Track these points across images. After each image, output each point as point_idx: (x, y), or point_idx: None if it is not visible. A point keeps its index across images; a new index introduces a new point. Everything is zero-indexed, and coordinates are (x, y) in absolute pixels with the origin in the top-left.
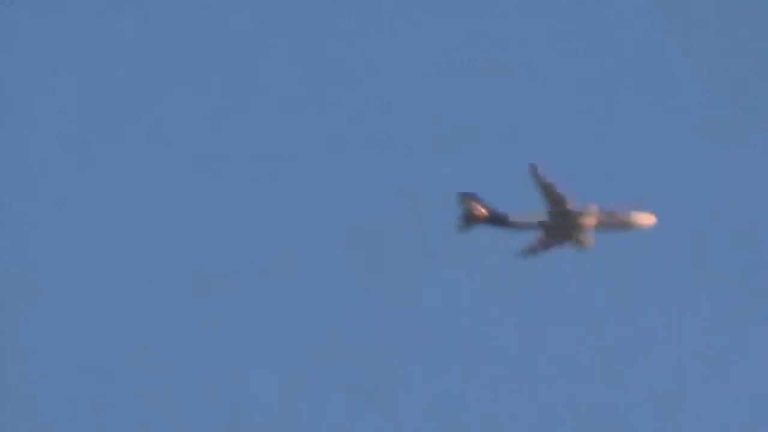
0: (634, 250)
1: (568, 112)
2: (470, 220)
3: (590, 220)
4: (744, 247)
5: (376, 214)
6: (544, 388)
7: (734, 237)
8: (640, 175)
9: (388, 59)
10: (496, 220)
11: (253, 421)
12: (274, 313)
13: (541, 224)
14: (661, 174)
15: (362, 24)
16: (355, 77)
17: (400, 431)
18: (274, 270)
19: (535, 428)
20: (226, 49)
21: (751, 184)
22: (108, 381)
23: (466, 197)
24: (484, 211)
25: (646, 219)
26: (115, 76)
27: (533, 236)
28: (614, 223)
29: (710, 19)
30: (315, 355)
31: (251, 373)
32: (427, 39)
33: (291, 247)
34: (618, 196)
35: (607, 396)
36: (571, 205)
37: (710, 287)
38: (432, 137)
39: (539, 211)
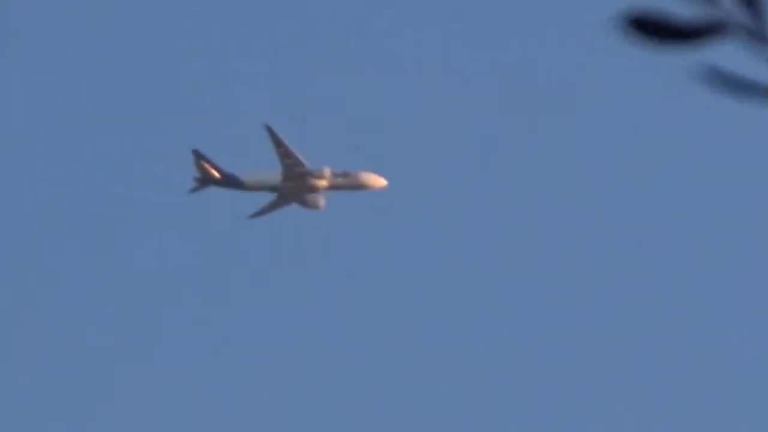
0: (365, 211)
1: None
2: (204, 181)
3: (323, 182)
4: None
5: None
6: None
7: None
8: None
9: None
10: (231, 182)
11: None
12: None
13: (276, 186)
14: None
15: None
16: None
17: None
18: None
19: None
20: None
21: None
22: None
23: (200, 157)
24: (217, 173)
25: (377, 181)
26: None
27: (266, 197)
28: (347, 185)
29: None
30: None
31: None
32: None
33: None
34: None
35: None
36: (306, 167)
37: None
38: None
39: (273, 172)
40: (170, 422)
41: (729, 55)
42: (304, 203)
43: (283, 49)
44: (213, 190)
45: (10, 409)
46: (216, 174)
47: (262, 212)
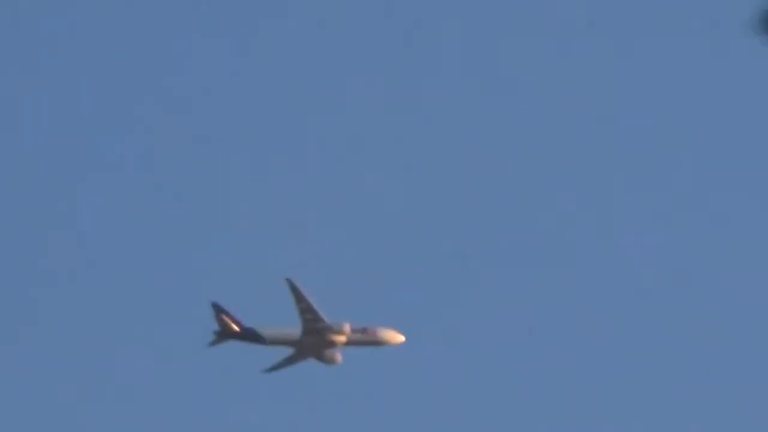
0: (383, 367)
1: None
2: (224, 334)
3: (342, 338)
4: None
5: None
6: None
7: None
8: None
9: None
10: (250, 336)
11: None
12: None
13: (295, 341)
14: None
15: None
16: None
17: None
18: None
19: None
20: None
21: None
22: None
23: (220, 311)
24: (236, 327)
25: (395, 337)
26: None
27: (284, 351)
28: (365, 340)
29: None
30: None
31: None
32: None
33: None
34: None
35: None
36: (325, 322)
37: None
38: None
39: (293, 327)
40: None
41: None
42: (322, 358)
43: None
44: (232, 344)
45: None
46: (235, 327)
47: (278, 366)
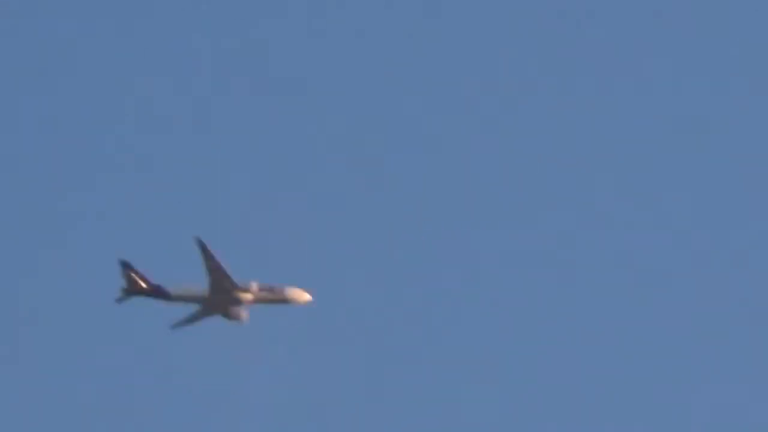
0: (289, 325)
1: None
2: (131, 291)
3: (249, 296)
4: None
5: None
6: None
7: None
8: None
9: None
10: (158, 293)
11: None
12: None
13: (202, 299)
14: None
15: None
16: None
17: None
18: None
19: None
20: None
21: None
22: None
23: (128, 268)
24: (144, 283)
25: (302, 296)
26: None
27: (191, 308)
28: (272, 299)
29: None
30: None
31: None
32: None
33: None
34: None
35: None
36: (233, 281)
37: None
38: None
39: (200, 285)
40: None
41: None
42: (228, 315)
43: (212, 160)
44: (139, 300)
45: None
46: (143, 284)
47: (184, 323)
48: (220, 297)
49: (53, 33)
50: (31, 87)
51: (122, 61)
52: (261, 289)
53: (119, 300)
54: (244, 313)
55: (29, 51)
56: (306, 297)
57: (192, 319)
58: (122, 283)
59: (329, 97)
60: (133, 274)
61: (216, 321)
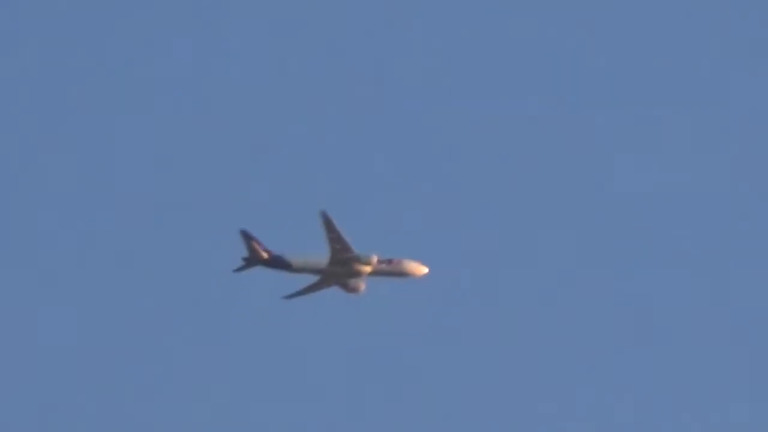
0: (406, 297)
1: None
2: (252, 261)
3: (368, 269)
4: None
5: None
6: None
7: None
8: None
9: None
10: (278, 263)
11: None
12: None
13: (322, 270)
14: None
15: None
16: None
17: None
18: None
19: None
20: None
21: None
22: None
23: (249, 238)
24: (265, 253)
25: (419, 269)
26: None
27: (310, 279)
28: (389, 271)
29: None
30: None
31: None
32: None
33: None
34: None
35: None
36: (354, 253)
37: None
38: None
39: (320, 255)
40: None
41: None
42: (346, 287)
43: (343, 136)
44: (259, 270)
45: None
46: (264, 254)
47: (300, 293)
48: (340, 268)
49: None
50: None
51: None
52: (380, 261)
53: (238, 269)
54: (362, 284)
55: None
56: (423, 270)
57: (309, 289)
58: (243, 252)
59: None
60: (254, 244)
61: (333, 292)
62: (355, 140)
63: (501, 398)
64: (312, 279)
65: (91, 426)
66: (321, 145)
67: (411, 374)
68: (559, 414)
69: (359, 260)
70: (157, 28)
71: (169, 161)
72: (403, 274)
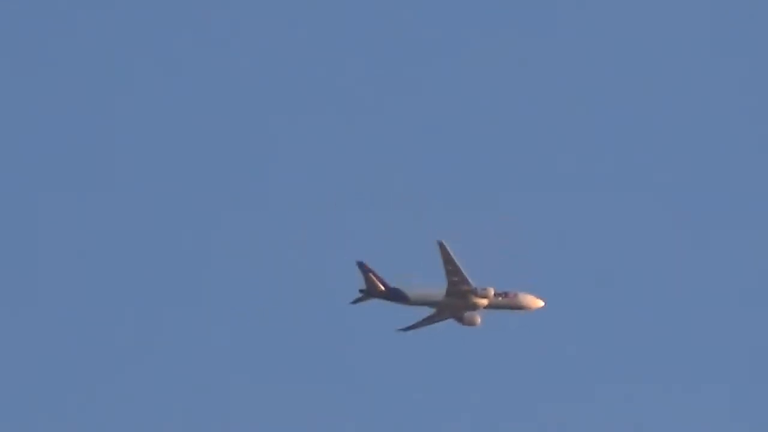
0: (521, 331)
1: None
2: (370, 293)
3: (485, 301)
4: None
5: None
6: None
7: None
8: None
9: None
10: (394, 295)
11: None
12: None
13: (438, 303)
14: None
15: None
16: None
17: None
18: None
19: None
20: None
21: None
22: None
23: (367, 270)
24: (382, 286)
25: (535, 302)
26: None
27: (426, 311)
28: (505, 304)
29: None
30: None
31: None
32: None
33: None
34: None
35: None
36: (471, 285)
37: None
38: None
39: (437, 288)
40: None
41: None
42: (461, 320)
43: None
44: (376, 303)
45: None
46: (381, 287)
47: (417, 326)
48: (456, 301)
49: None
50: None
51: None
52: (496, 294)
53: (356, 301)
54: (478, 317)
55: None
56: (539, 303)
57: (425, 322)
58: (361, 284)
59: None
60: (371, 276)
61: (450, 325)
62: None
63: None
64: (427, 311)
65: None
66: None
67: (523, 408)
68: None
69: (476, 293)
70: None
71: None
72: (519, 307)
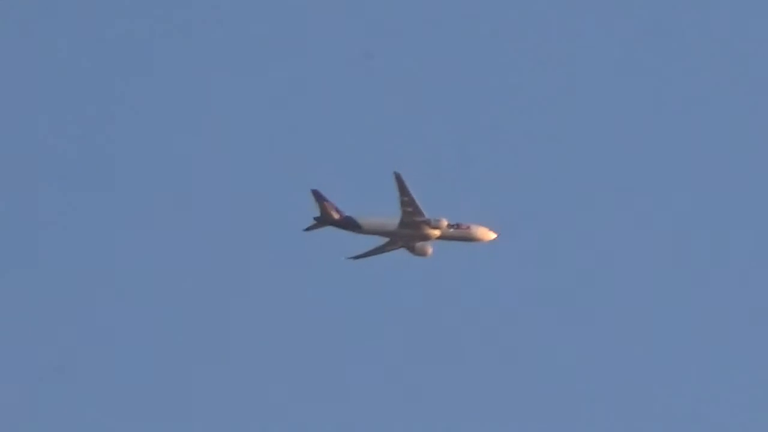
0: (470, 262)
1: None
2: (323, 221)
3: (437, 232)
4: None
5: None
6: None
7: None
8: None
9: None
10: (348, 224)
11: None
12: None
13: (391, 232)
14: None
15: None
16: None
17: None
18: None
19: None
20: None
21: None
22: None
23: (321, 198)
24: (336, 214)
25: (487, 234)
26: None
27: (378, 240)
28: (458, 236)
29: None
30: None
31: None
32: None
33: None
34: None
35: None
36: (425, 217)
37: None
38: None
39: (390, 218)
40: None
41: None
42: (413, 250)
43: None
44: (329, 230)
45: None
46: (335, 215)
47: (367, 254)
48: (409, 231)
49: None
50: None
51: None
52: (449, 226)
53: (309, 228)
54: (430, 248)
55: None
56: (491, 236)
57: (377, 251)
58: (314, 212)
59: None
60: (326, 204)
61: (399, 254)
62: (436, 108)
63: (563, 365)
64: (381, 241)
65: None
66: (399, 110)
67: (472, 339)
68: (624, 381)
69: (429, 224)
70: None
71: (254, 118)
72: (471, 239)
